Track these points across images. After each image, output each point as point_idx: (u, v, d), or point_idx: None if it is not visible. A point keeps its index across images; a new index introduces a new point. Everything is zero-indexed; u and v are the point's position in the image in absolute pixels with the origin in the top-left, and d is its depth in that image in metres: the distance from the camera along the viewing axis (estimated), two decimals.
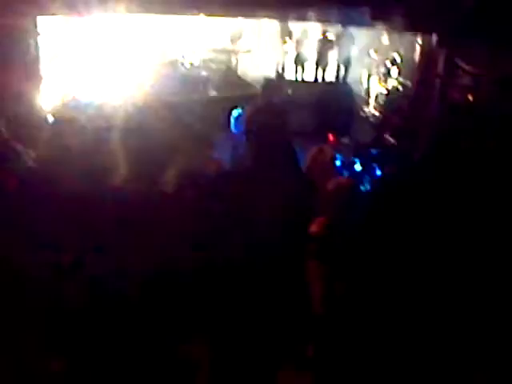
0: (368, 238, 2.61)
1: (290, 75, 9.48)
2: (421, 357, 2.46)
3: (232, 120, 4.84)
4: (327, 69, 9.40)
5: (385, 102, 8.41)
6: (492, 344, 2.47)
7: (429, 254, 2.49)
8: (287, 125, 3.25)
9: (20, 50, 5.18)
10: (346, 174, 4.86)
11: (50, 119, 3.45)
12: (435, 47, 6.42)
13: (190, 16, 7.62)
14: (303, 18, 7.66)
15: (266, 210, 2.69)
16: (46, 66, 6.02)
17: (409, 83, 7.89)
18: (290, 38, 9.33)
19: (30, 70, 5.30)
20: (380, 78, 8.73)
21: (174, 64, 8.82)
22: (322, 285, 2.64)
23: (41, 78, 5.64)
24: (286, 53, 9.45)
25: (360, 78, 9.42)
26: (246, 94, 7.70)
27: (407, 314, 2.47)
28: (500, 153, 3.29)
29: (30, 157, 3.10)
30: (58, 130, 3.19)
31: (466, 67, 5.98)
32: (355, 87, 9.12)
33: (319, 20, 7.95)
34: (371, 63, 9.22)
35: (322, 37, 9.12)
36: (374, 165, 5.02)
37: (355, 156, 5.20)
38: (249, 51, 9.99)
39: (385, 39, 8.84)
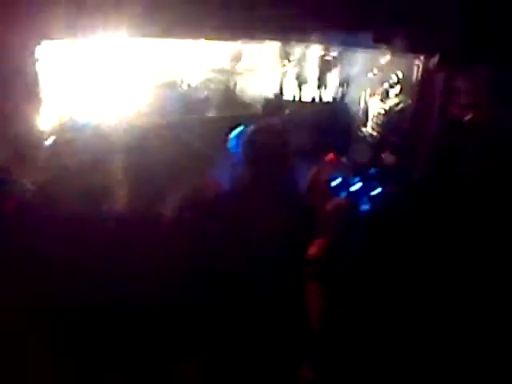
0: (369, 258, 2.59)
1: (288, 95, 9.53)
2: (421, 379, 2.43)
3: (231, 140, 4.84)
4: (326, 89, 9.47)
5: (383, 122, 8.44)
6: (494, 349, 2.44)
7: (432, 274, 2.47)
8: (288, 144, 3.23)
9: (21, 72, 5.23)
10: (344, 193, 4.84)
11: (49, 140, 3.45)
12: (435, 66, 6.47)
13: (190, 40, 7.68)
14: (304, 41, 7.74)
15: (265, 231, 2.67)
16: (45, 88, 6.05)
17: (409, 100, 7.92)
18: (289, 59, 9.42)
19: (30, 91, 5.34)
20: (379, 98, 8.77)
21: (172, 84, 8.84)
22: (320, 306, 2.62)
23: (41, 100, 5.67)
24: (285, 73, 9.52)
25: (359, 97, 9.48)
26: (245, 113, 7.74)
27: (409, 337, 2.43)
28: (501, 171, 3.27)
29: (28, 178, 3.09)
30: (55, 151, 3.19)
31: (467, 85, 6.01)
32: (354, 107, 9.17)
33: (320, 43, 8.03)
34: (370, 83, 9.27)
35: (321, 57, 9.21)
36: (374, 184, 5.00)
37: (354, 175, 5.18)
38: (248, 71, 10.06)
39: (384, 59, 8.90)
